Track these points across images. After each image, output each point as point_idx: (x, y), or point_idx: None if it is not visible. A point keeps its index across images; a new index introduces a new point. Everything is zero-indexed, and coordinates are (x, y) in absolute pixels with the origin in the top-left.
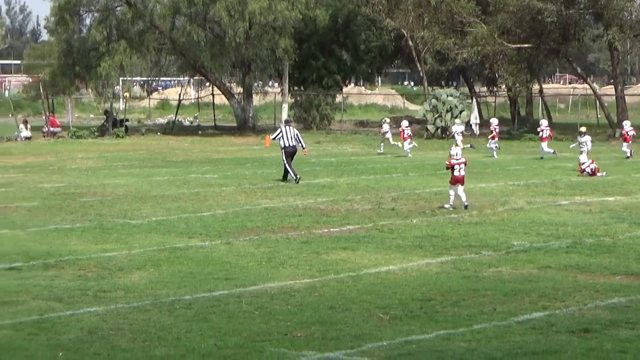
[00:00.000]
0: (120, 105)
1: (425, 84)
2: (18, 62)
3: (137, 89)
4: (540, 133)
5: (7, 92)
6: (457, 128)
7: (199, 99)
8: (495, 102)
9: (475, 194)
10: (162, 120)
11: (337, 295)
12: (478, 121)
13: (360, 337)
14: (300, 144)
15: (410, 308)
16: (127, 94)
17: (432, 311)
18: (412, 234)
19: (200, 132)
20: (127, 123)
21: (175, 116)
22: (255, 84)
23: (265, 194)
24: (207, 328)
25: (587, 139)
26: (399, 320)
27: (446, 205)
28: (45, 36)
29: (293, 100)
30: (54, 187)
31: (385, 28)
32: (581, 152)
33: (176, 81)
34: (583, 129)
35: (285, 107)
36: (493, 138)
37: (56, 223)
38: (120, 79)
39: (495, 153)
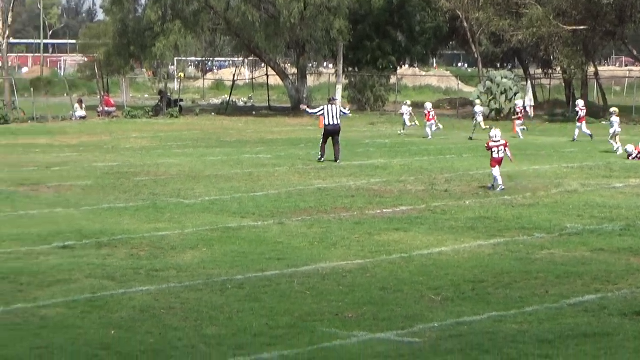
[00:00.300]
0: (175, 85)
1: (480, 66)
2: (74, 41)
3: (191, 69)
4: (579, 113)
5: (62, 71)
6: (478, 109)
7: (253, 80)
8: (550, 84)
9: (529, 176)
10: (216, 101)
11: (388, 277)
12: (533, 104)
13: (412, 318)
14: (344, 115)
15: (462, 290)
16: (181, 74)
17: (483, 293)
18: (464, 215)
19: (254, 113)
20: (181, 103)
21: (230, 96)
22: (310, 65)
23: (318, 175)
24: (258, 308)
25: (614, 120)
26: (450, 301)
27: (498, 189)
28: (100, 16)
29: (347, 81)
30: (108, 167)
31: (440, 9)
32: (612, 134)
33: (231, 62)
34: (612, 109)
35: (339, 88)
36: (519, 119)
37: (110, 202)
38: (175, 59)
39: (521, 134)
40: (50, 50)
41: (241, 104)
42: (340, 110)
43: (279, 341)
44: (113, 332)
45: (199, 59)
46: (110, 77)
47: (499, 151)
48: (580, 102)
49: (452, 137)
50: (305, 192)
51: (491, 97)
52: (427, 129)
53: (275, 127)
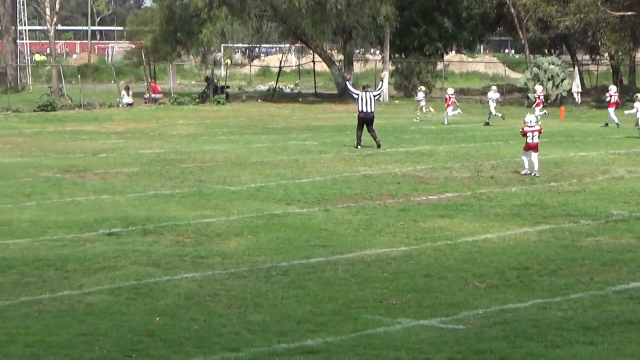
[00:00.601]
0: (221, 72)
1: (527, 52)
2: (121, 28)
3: (238, 56)
4: (609, 99)
5: (109, 58)
6: (493, 95)
7: (300, 66)
8: (597, 70)
9: (575, 163)
10: (262, 87)
11: (433, 263)
12: (580, 90)
13: (456, 305)
14: (379, 95)
15: (507, 277)
16: (228, 61)
17: (528, 280)
18: (510, 202)
19: (300, 99)
20: (227, 90)
21: (276, 83)
22: (356, 51)
23: (364, 161)
24: (303, 295)
25: (637, 105)
26: (495, 288)
27: (522, 172)
28: (148, 2)
29: (394, 67)
30: (154, 153)
31: None
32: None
33: (277, 48)
34: (636, 94)
35: (386, 74)
36: (537, 105)
37: (156, 189)
38: (222, 45)
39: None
40: (98, 37)
41: (287, 90)
42: (374, 96)
43: (323, 328)
44: (158, 318)
45: (246, 45)
46: (157, 63)
47: (533, 136)
48: (612, 88)
49: (498, 123)
50: (351, 179)
51: (538, 84)
52: (451, 113)
53: (322, 114)
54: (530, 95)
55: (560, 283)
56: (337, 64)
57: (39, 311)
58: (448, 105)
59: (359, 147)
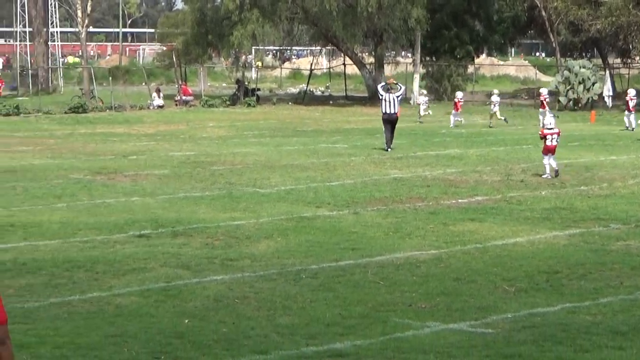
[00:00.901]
0: (252, 74)
1: (558, 55)
2: (152, 30)
3: (269, 59)
4: (630, 102)
5: (140, 60)
6: (494, 98)
7: (331, 69)
8: (629, 74)
9: (606, 166)
10: (293, 90)
11: (462, 267)
12: (611, 93)
13: (485, 308)
14: (402, 95)
15: (536, 280)
16: (259, 63)
17: (558, 284)
18: (540, 206)
19: (331, 102)
20: (258, 92)
21: (307, 86)
22: (387, 54)
23: (394, 164)
24: (332, 297)
25: None
26: (524, 292)
27: (544, 175)
28: (179, 5)
29: (425, 70)
30: (184, 156)
31: None
32: None
33: (308, 51)
34: None
35: (417, 77)
36: (542, 107)
37: (186, 191)
38: (253, 48)
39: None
40: (129, 39)
41: (318, 93)
42: (396, 97)
43: (351, 331)
44: (187, 321)
45: (277, 48)
46: (188, 66)
47: (552, 139)
48: (631, 92)
49: (529, 127)
50: (381, 182)
51: (569, 87)
52: (452, 117)
53: (352, 117)
54: (561, 98)
55: (589, 287)
56: (367, 66)
57: (68, 312)
58: (457, 109)
59: (389, 149)
